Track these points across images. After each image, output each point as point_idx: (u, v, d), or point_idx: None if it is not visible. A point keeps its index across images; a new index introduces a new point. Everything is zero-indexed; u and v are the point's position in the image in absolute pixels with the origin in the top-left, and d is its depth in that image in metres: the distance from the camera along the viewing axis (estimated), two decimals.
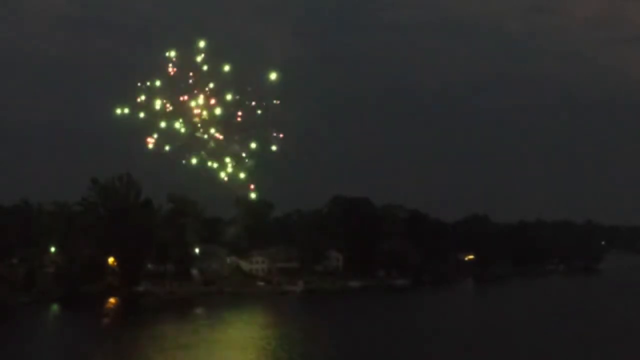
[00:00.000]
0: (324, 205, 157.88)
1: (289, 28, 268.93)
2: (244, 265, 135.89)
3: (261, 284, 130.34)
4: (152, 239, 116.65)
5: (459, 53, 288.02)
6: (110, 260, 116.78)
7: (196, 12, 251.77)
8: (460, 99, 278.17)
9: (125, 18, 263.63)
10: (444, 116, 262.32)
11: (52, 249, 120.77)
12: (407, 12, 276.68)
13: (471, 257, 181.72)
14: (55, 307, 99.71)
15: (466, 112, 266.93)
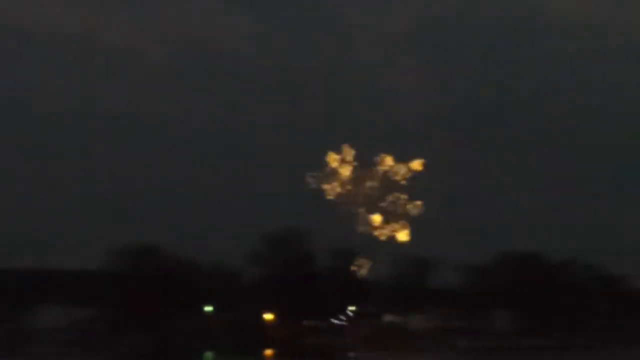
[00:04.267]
0: (489, 261, 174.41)
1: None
2: (404, 323, 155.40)
3: (421, 341, 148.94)
4: (312, 295, 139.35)
5: None
6: (270, 316, 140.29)
7: None
8: None
9: None
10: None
11: (210, 308, 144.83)
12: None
13: None
14: (209, 354, 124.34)
15: None
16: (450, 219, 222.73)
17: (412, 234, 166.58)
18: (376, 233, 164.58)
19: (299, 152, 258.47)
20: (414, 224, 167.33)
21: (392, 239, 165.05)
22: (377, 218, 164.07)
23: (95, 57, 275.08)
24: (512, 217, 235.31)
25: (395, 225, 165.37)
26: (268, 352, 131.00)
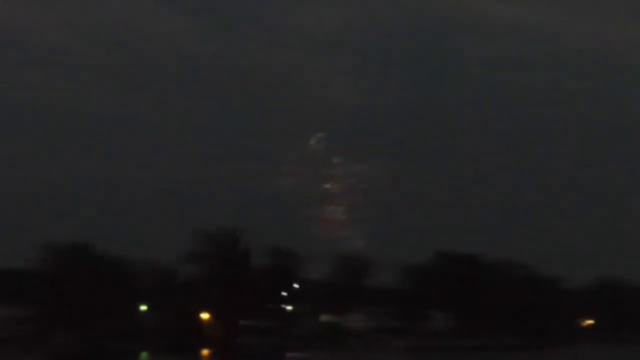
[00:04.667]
0: (426, 261, 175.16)
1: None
2: (341, 323, 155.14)
3: (358, 341, 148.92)
4: (249, 294, 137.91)
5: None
6: (206, 315, 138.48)
7: None
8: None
9: None
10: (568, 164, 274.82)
11: (145, 307, 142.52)
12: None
13: (590, 322, 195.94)
14: (145, 355, 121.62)
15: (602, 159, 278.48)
16: (387, 220, 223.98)
17: (351, 235, 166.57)
18: (324, 232, 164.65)
19: (231, 150, 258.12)
20: (354, 225, 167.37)
21: (336, 239, 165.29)
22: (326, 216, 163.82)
23: (21, 52, 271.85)
24: (449, 218, 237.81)
25: (339, 225, 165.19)
26: (205, 352, 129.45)
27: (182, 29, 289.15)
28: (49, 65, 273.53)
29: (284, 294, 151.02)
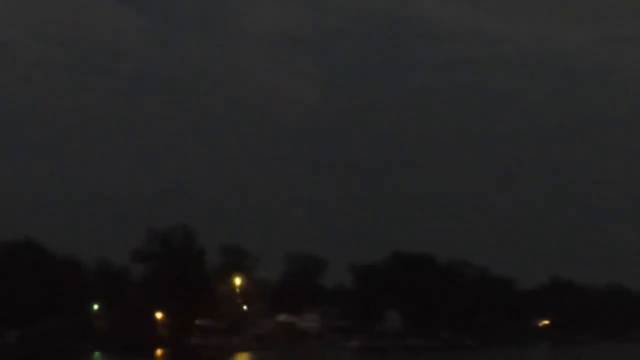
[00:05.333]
0: (380, 261, 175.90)
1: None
2: (296, 322, 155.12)
3: (313, 340, 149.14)
4: (203, 293, 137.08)
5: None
6: (159, 315, 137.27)
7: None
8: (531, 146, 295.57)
9: None
10: (517, 164, 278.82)
11: (96, 307, 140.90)
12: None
13: (546, 322, 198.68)
14: (97, 354, 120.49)
15: (545, 160, 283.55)
16: (341, 220, 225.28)
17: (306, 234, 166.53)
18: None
19: (181, 149, 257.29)
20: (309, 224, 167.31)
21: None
22: None
23: None
24: (403, 218, 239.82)
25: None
26: (158, 352, 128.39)
27: (135, 27, 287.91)
28: None
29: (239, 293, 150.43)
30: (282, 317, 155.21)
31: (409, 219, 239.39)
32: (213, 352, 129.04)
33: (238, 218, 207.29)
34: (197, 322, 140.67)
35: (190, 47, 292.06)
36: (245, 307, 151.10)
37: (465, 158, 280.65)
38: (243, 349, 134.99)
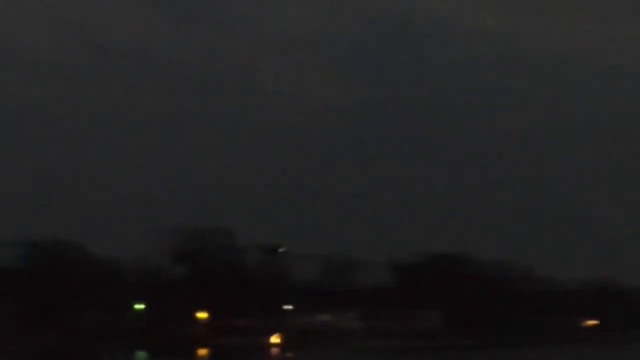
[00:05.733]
0: (421, 260, 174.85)
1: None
2: (335, 322, 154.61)
3: (353, 340, 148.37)
4: (243, 293, 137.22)
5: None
6: (199, 314, 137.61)
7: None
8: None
9: None
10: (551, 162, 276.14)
11: (137, 306, 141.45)
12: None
13: (593, 322, 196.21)
14: (140, 354, 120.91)
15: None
16: (378, 218, 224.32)
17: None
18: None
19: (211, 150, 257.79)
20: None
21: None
22: None
23: None
24: (441, 217, 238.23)
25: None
26: (200, 352, 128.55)
27: (153, 26, 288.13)
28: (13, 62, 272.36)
29: (277, 292, 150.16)
30: (321, 317, 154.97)
31: (449, 217, 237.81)
32: (252, 352, 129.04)
33: (277, 217, 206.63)
34: (237, 322, 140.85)
35: (210, 46, 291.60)
36: (284, 307, 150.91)
37: (504, 157, 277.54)
38: (281, 349, 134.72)
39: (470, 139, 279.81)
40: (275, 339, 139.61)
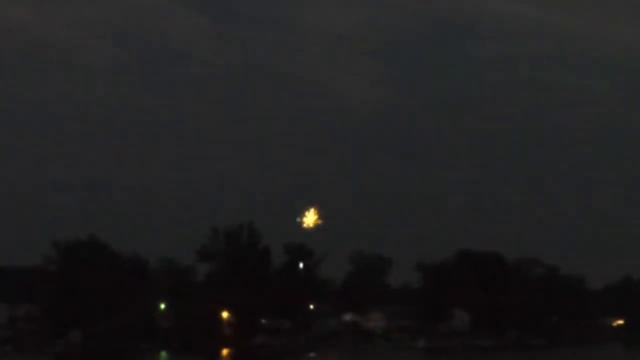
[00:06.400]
0: (448, 259, 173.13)
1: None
2: (362, 322, 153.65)
3: (379, 340, 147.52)
4: (268, 292, 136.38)
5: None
6: (224, 314, 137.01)
7: None
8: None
9: None
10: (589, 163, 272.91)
11: (162, 306, 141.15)
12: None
13: (620, 322, 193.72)
14: (164, 354, 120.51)
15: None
16: (408, 218, 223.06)
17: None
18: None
19: (246, 149, 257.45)
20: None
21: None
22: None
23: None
24: (472, 217, 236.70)
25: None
26: (223, 352, 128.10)
27: (198, 28, 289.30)
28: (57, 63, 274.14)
29: (305, 292, 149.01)
30: (348, 317, 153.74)
31: (476, 216, 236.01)
32: (278, 352, 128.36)
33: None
34: (262, 321, 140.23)
35: (254, 48, 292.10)
36: (310, 307, 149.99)
37: (533, 157, 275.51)
38: (308, 349, 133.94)
39: (498, 138, 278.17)
40: (299, 339, 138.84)
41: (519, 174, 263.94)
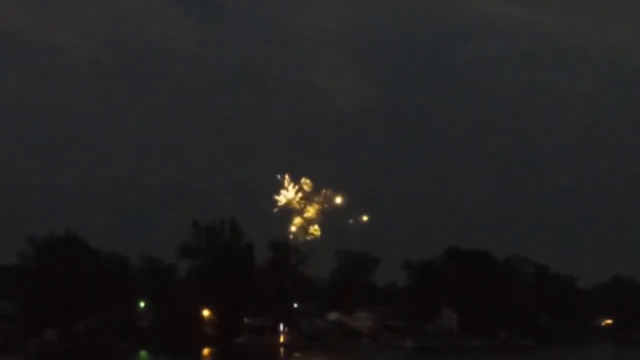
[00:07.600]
0: (435, 257, 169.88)
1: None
2: (348, 321, 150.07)
3: (366, 340, 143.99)
4: (251, 290, 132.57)
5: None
6: (207, 313, 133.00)
7: None
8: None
9: None
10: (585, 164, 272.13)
11: (142, 304, 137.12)
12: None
13: (609, 322, 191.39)
14: (144, 354, 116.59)
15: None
16: (395, 216, 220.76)
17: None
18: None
19: (231, 148, 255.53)
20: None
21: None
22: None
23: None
24: (458, 216, 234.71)
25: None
26: (205, 351, 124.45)
27: (184, 28, 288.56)
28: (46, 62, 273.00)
29: (289, 291, 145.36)
30: (333, 316, 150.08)
31: (465, 215, 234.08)
32: (261, 352, 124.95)
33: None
34: (245, 320, 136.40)
35: (240, 48, 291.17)
36: (295, 305, 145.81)
37: (521, 157, 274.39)
38: (292, 348, 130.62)
39: (486, 137, 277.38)
40: (283, 338, 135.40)
41: (507, 172, 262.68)
